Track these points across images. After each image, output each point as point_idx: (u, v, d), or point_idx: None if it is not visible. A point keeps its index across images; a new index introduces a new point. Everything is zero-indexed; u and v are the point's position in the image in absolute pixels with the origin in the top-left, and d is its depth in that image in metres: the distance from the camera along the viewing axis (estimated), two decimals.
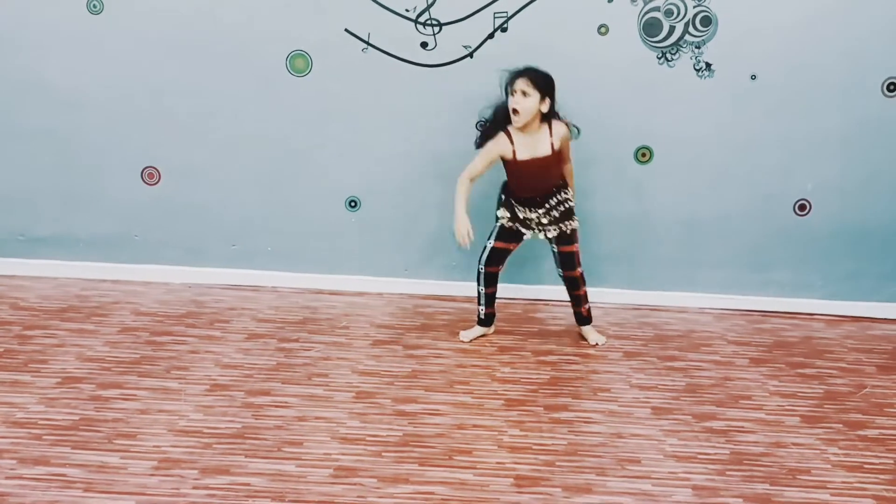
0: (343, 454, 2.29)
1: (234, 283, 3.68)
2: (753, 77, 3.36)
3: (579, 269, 3.11)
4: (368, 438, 2.39)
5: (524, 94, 2.82)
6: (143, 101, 3.45)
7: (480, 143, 2.98)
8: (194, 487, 2.10)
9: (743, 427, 2.58)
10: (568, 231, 3.03)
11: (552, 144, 2.91)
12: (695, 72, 3.36)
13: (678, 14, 3.29)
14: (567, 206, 3.02)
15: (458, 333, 3.22)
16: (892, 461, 2.41)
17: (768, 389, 2.87)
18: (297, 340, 3.11)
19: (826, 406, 2.76)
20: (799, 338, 3.39)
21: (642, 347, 3.20)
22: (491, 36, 3.34)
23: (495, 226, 3.09)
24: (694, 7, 3.28)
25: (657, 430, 2.53)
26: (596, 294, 3.30)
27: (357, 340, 3.14)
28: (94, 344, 2.98)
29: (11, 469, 2.15)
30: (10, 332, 3.05)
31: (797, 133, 3.43)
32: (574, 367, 2.99)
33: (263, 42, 3.37)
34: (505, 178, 3.08)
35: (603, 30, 3.32)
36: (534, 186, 2.97)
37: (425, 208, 3.57)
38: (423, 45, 3.36)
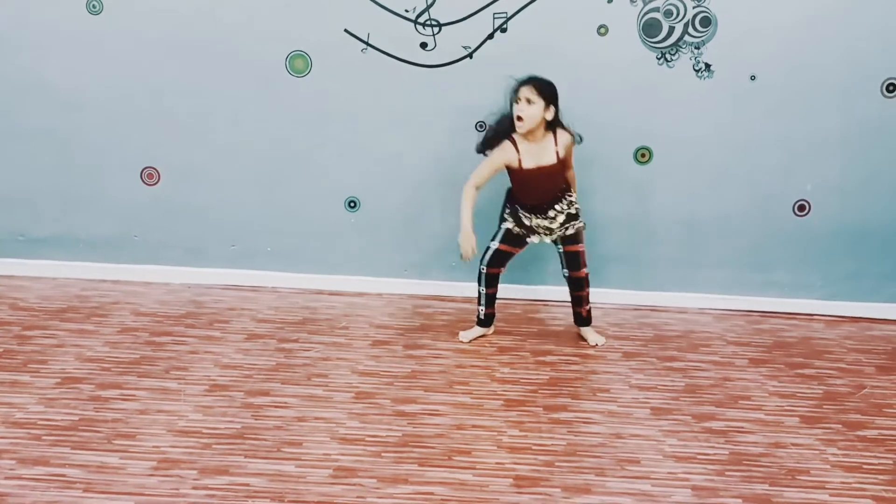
0: (342, 454, 2.29)
1: (233, 283, 3.68)
2: (753, 77, 3.36)
3: (585, 270, 3.11)
4: (368, 439, 2.39)
5: (529, 101, 2.83)
6: (143, 102, 3.45)
7: (481, 149, 2.99)
8: (193, 488, 2.10)
9: (742, 427, 2.58)
10: (574, 231, 3.04)
11: (557, 153, 2.92)
12: (694, 72, 3.36)
13: (678, 15, 3.29)
14: (573, 208, 3.03)
15: (457, 334, 3.22)
16: (891, 462, 2.41)
17: (767, 390, 2.87)
18: (296, 341, 3.11)
19: (825, 406, 2.76)
20: (798, 338, 3.39)
21: (642, 348, 3.20)
22: (490, 36, 3.34)
23: (500, 228, 3.10)
24: (693, 8, 3.28)
25: (656, 430, 2.53)
26: (595, 294, 3.29)
27: (356, 341, 3.14)
28: (93, 344, 2.98)
29: (11, 469, 2.15)
30: (10, 332, 3.05)
31: (797, 133, 3.43)
32: (573, 367, 2.99)
33: (263, 42, 3.37)
34: (508, 185, 3.08)
35: (602, 30, 3.32)
36: (539, 194, 2.98)
37: (425, 209, 3.57)
38: (423, 45, 3.36)
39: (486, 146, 2.98)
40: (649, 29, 3.32)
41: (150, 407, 2.52)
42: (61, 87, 3.43)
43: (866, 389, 2.91)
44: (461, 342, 3.16)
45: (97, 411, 2.48)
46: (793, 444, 2.48)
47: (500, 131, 2.95)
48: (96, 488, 2.08)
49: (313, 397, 2.64)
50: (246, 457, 2.26)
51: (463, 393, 2.73)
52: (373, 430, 2.45)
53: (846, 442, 2.51)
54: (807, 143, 3.44)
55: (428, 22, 3.33)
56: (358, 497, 2.10)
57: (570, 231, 3.03)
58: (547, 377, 2.89)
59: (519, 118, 2.85)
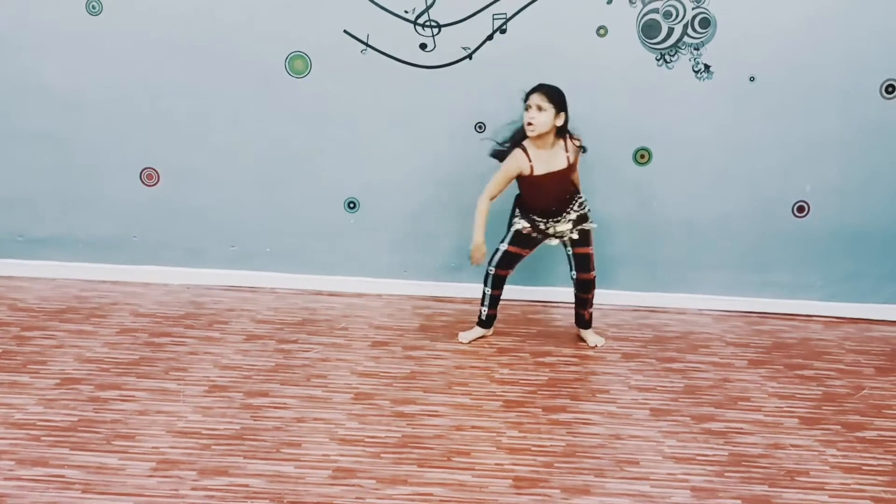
0: (342, 455, 2.29)
1: (232, 284, 3.68)
2: (752, 79, 3.36)
3: (593, 273, 3.12)
4: (367, 440, 2.39)
5: (539, 108, 2.85)
6: (142, 102, 3.45)
7: (495, 155, 3.02)
8: (193, 489, 2.10)
9: (741, 428, 2.58)
10: (585, 233, 3.05)
11: (568, 158, 2.94)
12: (693, 73, 3.36)
13: (677, 16, 3.29)
14: (584, 210, 3.04)
15: (456, 335, 3.22)
16: (890, 463, 2.41)
17: (767, 391, 2.87)
18: (295, 342, 3.11)
19: (824, 407, 2.76)
20: (797, 339, 3.39)
21: (641, 349, 3.20)
22: (490, 37, 3.34)
23: (510, 230, 3.09)
24: (693, 9, 3.28)
25: (656, 431, 2.53)
26: (595, 295, 3.29)
27: (356, 342, 3.14)
28: (92, 345, 2.98)
29: (10, 470, 2.15)
30: (9, 333, 3.05)
31: (796, 134, 3.43)
32: (573, 368, 2.99)
33: (263, 43, 3.37)
34: (516, 192, 3.08)
35: (602, 31, 3.32)
36: (550, 200, 2.98)
37: (424, 209, 3.57)
38: (423, 46, 3.36)
39: (497, 154, 3.01)
40: (649, 30, 3.32)
41: (150, 408, 2.52)
42: (61, 87, 3.43)
43: (865, 390, 2.92)
44: (461, 343, 3.16)
45: (96, 412, 2.48)
46: (792, 446, 2.48)
47: (514, 142, 2.97)
48: (95, 489, 2.08)
49: (312, 398, 2.64)
50: (245, 458, 2.26)
51: (462, 394, 2.73)
52: (372, 430, 2.45)
53: (845, 443, 2.51)
54: (806, 144, 3.44)
55: (427, 23, 3.33)
56: (357, 498, 2.10)
57: (582, 233, 3.04)
58: (546, 378, 2.89)
59: (529, 124, 2.86)
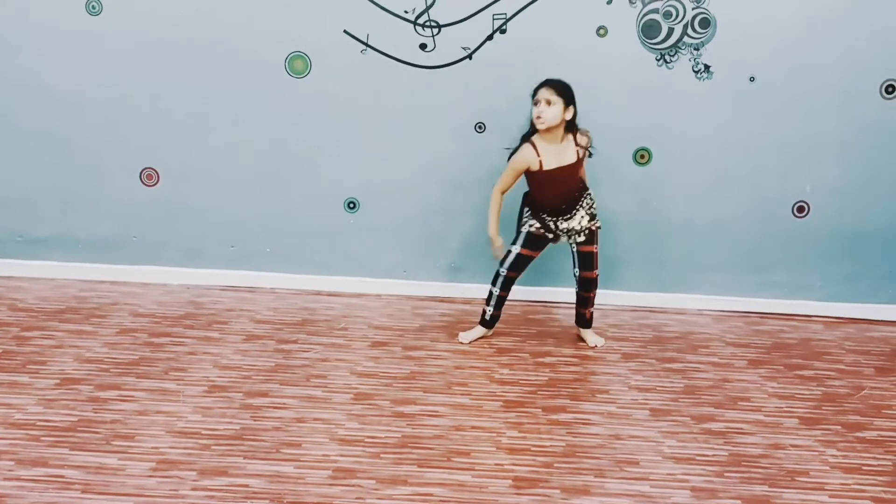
0: (341, 456, 2.29)
1: (232, 284, 3.68)
2: (752, 79, 3.36)
3: (596, 272, 3.11)
4: (367, 440, 2.39)
5: (548, 102, 2.85)
6: (142, 103, 3.45)
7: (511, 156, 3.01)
8: (192, 489, 2.10)
9: (741, 429, 2.58)
10: (592, 232, 3.05)
11: (577, 152, 2.94)
12: (693, 73, 3.37)
13: (677, 16, 3.29)
14: (593, 208, 3.04)
15: (456, 335, 3.22)
16: (890, 463, 2.41)
17: (767, 391, 2.87)
18: (295, 342, 3.10)
19: (824, 408, 2.76)
20: (797, 339, 3.39)
21: (641, 349, 3.20)
22: (490, 38, 3.34)
23: (521, 232, 3.08)
24: (693, 9, 3.28)
25: (655, 431, 2.53)
26: (596, 295, 3.29)
27: (355, 342, 3.13)
28: (92, 345, 2.97)
29: (9, 470, 2.14)
30: (9, 333, 3.05)
31: (796, 135, 3.43)
32: (572, 368, 2.99)
33: (262, 43, 3.37)
34: (524, 191, 3.08)
35: (602, 31, 3.32)
36: (560, 195, 2.98)
37: (424, 210, 3.57)
38: (422, 46, 3.36)
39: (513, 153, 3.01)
40: (649, 30, 3.32)
41: (149, 408, 2.52)
42: (61, 87, 3.43)
43: (865, 391, 2.91)
44: (461, 343, 3.16)
45: (96, 412, 2.48)
46: (792, 446, 2.48)
47: (523, 137, 2.97)
48: (95, 489, 2.08)
49: (312, 398, 2.64)
50: (245, 458, 2.26)
51: (462, 394, 2.73)
52: (372, 431, 2.44)
53: (845, 443, 2.51)
54: (806, 145, 3.44)
55: (427, 23, 3.33)
56: (357, 498, 2.10)
57: (590, 232, 3.04)
58: (546, 378, 2.89)
59: (539, 117, 2.86)
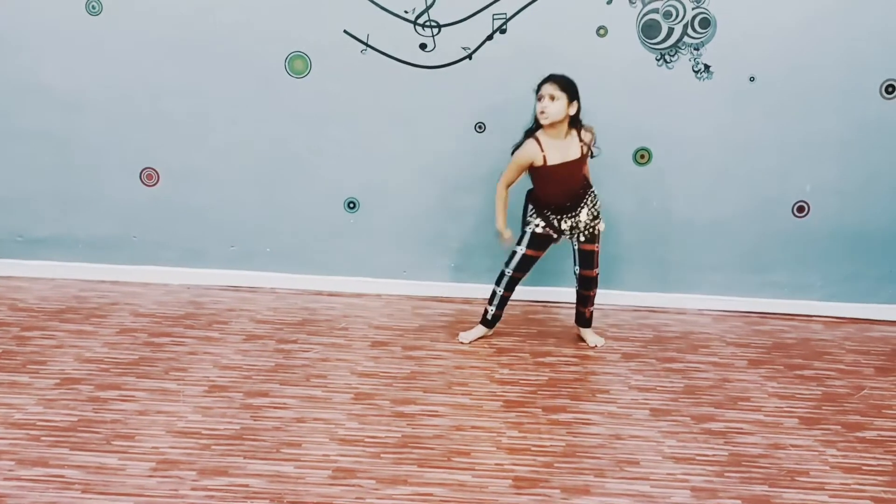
0: (342, 455, 2.29)
1: (232, 284, 3.68)
2: (752, 79, 3.36)
3: (596, 270, 3.11)
4: (367, 440, 2.39)
5: (552, 97, 2.85)
6: (142, 103, 3.45)
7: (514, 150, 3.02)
8: (193, 489, 2.10)
9: (741, 428, 2.58)
10: (594, 231, 3.05)
11: (581, 148, 2.94)
12: (693, 73, 3.37)
13: (677, 16, 3.29)
14: (596, 207, 3.04)
15: (456, 335, 3.22)
16: (890, 463, 2.41)
17: (767, 391, 2.87)
18: (295, 342, 3.11)
19: (824, 408, 2.76)
20: (797, 339, 3.39)
21: (641, 349, 3.20)
22: (490, 37, 3.34)
23: (526, 232, 3.07)
24: (693, 9, 3.28)
25: (656, 431, 2.53)
26: (596, 294, 3.30)
27: (356, 342, 3.13)
28: (92, 345, 2.97)
29: (10, 470, 2.14)
30: (9, 333, 3.05)
31: (796, 135, 3.43)
32: (573, 368, 2.99)
33: (262, 43, 3.37)
34: (527, 190, 3.07)
35: (602, 31, 3.32)
36: (563, 191, 2.97)
37: (424, 210, 3.57)
38: (422, 46, 3.36)
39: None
40: (648, 30, 3.32)
41: (149, 408, 2.52)
42: (60, 87, 3.43)
43: (865, 390, 2.92)
44: (461, 343, 3.16)
45: (96, 412, 2.48)
46: (792, 446, 2.48)
47: (527, 133, 2.97)
48: (95, 489, 2.08)
49: (312, 398, 2.64)
50: (245, 458, 2.26)
51: (462, 394, 2.73)
52: (372, 431, 2.44)
53: (845, 443, 2.51)
54: (806, 145, 3.44)
55: (427, 23, 3.33)
56: (357, 498, 2.10)
57: (593, 230, 3.04)
58: (546, 378, 2.89)
59: (542, 113, 2.86)
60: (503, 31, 3.34)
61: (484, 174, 3.44)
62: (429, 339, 3.19)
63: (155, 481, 2.12)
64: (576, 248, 3.10)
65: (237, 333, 3.15)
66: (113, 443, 2.30)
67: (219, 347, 3.01)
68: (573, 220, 3.00)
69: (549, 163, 2.91)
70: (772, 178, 3.50)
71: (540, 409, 2.64)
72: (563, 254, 3.20)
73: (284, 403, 2.59)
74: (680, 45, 3.33)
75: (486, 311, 3.20)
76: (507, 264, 3.10)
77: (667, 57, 3.35)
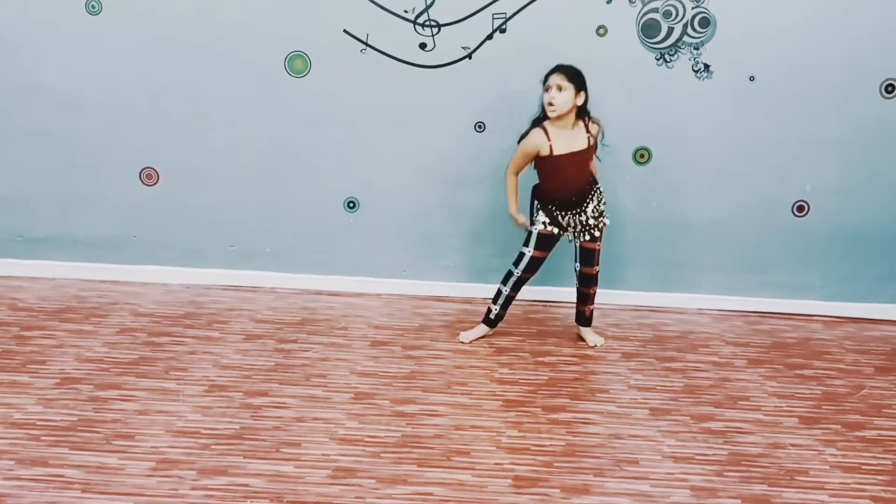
0: (341, 455, 2.29)
1: (232, 283, 3.68)
2: (752, 78, 3.36)
3: (597, 268, 3.11)
4: (367, 439, 2.39)
5: (560, 88, 2.84)
6: (142, 102, 3.45)
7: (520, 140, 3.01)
8: (192, 488, 2.10)
9: (741, 428, 2.58)
10: (598, 229, 3.05)
11: (588, 139, 2.93)
12: (693, 73, 3.36)
13: (677, 15, 3.29)
14: (602, 206, 3.04)
15: (456, 334, 3.22)
16: (890, 462, 2.41)
17: (766, 390, 2.87)
18: (295, 341, 3.11)
19: (824, 407, 2.76)
20: (797, 339, 3.39)
21: (641, 348, 3.20)
22: (490, 37, 3.34)
23: (532, 232, 3.05)
24: (692, 8, 3.28)
25: (655, 430, 2.53)
26: (596, 293, 3.30)
27: (355, 341, 3.13)
28: (92, 345, 2.98)
29: (9, 470, 2.15)
30: (9, 332, 3.05)
31: (795, 134, 3.43)
32: (572, 368, 2.99)
33: (262, 43, 3.37)
34: (532, 187, 3.07)
35: (601, 31, 3.32)
36: (569, 185, 2.96)
37: (424, 209, 3.57)
38: (422, 46, 3.36)
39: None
40: (648, 29, 3.32)
41: (149, 407, 2.52)
42: (60, 87, 3.43)
43: (865, 390, 2.92)
44: (461, 343, 3.16)
45: (96, 412, 2.48)
46: (792, 445, 2.48)
47: (534, 122, 2.96)
48: (95, 489, 2.08)
49: (312, 398, 2.64)
50: (245, 457, 2.26)
51: (462, 393, 2.73)
52: (372, 430, 2.45)
53: (845, 442, 2.51)
54: (806, 144, 3.44)
55: (427, 22, 3.33)
56: (357, 497, 2.10)
57: (597, 228, 3.04)
58: (546, 378, 2.89)
59: (550, 104, 2.86)
60: (503, 31, 3.33)
61: (484, 174, 3.44)
62: (429, 339, 3.19)
63: (155, 481, 2.13)
64: (577, 245, 3.09)
65: (237, 333, 3.15)
66: (113, 442, 2.30)
67: (218, 347, 3.01)
68: (577, 217, 3.00)
69: (556, 152, 2.90)
70: (771, 177, 3.50)
71: (540, 409, 2.64)
72: (562, 253, 3.20)
73: (284, 403, 2.59)
74: (680, 44, 3.33)
75: (489, 310, 3.19)
76: (515, 265, 3.09)
77: (666, 56, 3.35)
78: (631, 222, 3.55)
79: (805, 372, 3.05)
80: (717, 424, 2.59)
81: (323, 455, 2.29)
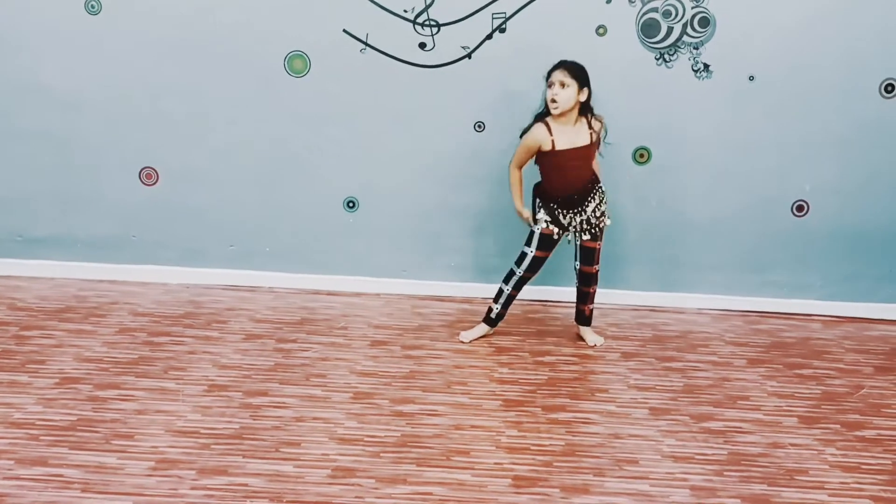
0: (341, 455, 2.29)
1: (231, 283, 3.68)
2: (751, 78, 3.36)
3: (596, 267, 3.11)
4: (366, 439, 2.39)
5: (563, 84, 2.84)
6: (142, 102, 3.45)
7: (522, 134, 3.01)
8: (192, 488, 2.10)
9: (741, 428, 2.58)
10: (598, 228, 3.05)
11: (591, 135, 2.93)
12: (693, 73, 3.36)
13: (676, 15, 3.29)
14: (604, 204, 3.04)
15: (456, 334, 3.22)
16: (889, 462, 2.41)
17: (766, 390, 2.87)
18: (294, 341, 3.11)
19: (824, 407, 2.76)
20: (797, 338, 3.39)
21: (640, 348, 3.20)
22: (489, 37, 3.34)
23: (533, 231, 3.05)
24: (692, 8, 3.28)
25: (655, 430, 2.53)
26: (596, 292, 3.30)
27: (355, 341, 3.13)
28: (91, 344, 2.97)
29: (9, 469, 2.15)
30: (8, 332, 3.05)
31: (795, 134, 3.43)
32: (572, 367, 2.99)
33: (262, 43, 3.37)
34: (534, 185, 3.07)
35: (601, 31, 3.32)
36: (571, 182, 2.96)
37: (424, 209, 3.57)
38: (422, 45, 3.36)
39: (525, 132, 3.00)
40: (648, 29, 3.32)
41: (149, 407, 2.52)
42: (60, 87, 3.42)
43: (865, 390, 2.92)
44: (461, 342, 3.16)
45: (95, 411, 2.48)
46: (791, 445, 2.48)
47: (536, 118, 2.96)
48: (94, 488, 2.08)
49: (312, 397, 2.64)
50: (244, 457, 2.26)
51: (461, 393, 2.73)
52: (371, 430, 2.45)
53: (845, 442, 2.52)
54: (805, 144, 3.44)
55: (427, 22, 3.33)
56: (356, 497, 2.10)
57: (598, 227, 3.04)
58: (545, 377, 2.89)
59: (553, 101, 2.85)
60: (503, 31, 3.33)
61: (483, 173, 3.44)
62: (428, 339, 3.19)
63: (154, 480, 2.13)
64: (577, 243, 3.09)
65: (236, 333, 3.15)
66: (112, 442, 2.30)
67: (218, 347, 3.01)
68: (578, 216, 2.99)
69: (558, 147, 2.89)
70: (771, 177, 3.50)
71: (539, 409, 2.64)
72: (562, 253, 3.19)
73: (284, 403, 2.59)
74: (679, 44, 3.33)
75: (490, 309, 3.19)
76: (517, 264, 3.09)
77: (666, 56, 3.35)
78: (631, 222, 3.55)
79: (804, 371, 3.05)
80: (717, 424, 2.59)
81: (322, 455, 2.29)
